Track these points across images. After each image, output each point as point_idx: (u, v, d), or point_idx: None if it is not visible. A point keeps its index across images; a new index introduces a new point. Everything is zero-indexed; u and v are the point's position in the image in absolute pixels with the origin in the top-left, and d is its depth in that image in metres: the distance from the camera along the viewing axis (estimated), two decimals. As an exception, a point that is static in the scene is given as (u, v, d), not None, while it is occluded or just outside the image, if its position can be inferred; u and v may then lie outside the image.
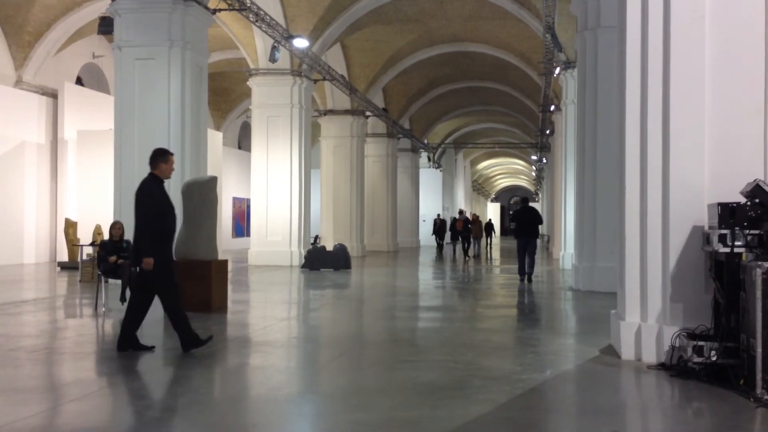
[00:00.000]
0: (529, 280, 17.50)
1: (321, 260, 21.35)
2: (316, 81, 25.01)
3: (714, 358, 6.67)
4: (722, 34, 7.32)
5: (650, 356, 7.49)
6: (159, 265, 7.86)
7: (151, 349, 8.16)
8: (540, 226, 18.06)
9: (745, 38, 7.34)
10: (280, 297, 14.91)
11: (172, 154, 8.43)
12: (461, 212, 34.54)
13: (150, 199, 7.96)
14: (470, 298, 15.20)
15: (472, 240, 31.74)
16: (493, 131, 52.08)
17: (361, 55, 29.26)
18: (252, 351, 8.61)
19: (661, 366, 7.27)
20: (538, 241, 18.15)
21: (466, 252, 31.22)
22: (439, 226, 37.67)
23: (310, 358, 8.36)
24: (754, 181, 6.72)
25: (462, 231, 31.84)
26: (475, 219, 33.31)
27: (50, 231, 24.55)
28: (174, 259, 8.37)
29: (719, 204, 6.77)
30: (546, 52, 21.23)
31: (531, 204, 18.48)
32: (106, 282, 11.76)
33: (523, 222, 17.59)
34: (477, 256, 31.01)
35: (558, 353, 8.38)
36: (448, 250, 36.65)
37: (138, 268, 8.02)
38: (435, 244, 38.11)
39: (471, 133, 52.00)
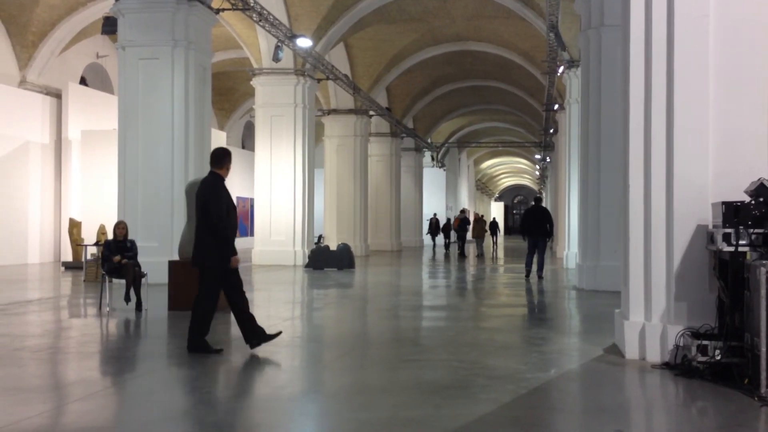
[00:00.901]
0: (540, 278, 17.91)
1: (325, 260, 21.36)
2: (319, 80, 25.00)
3: (718, 357, 6.65)
4: (726, 32, 7.31)
5: (654, 355, 7.48)
6: (223, 263, 7.84)
7: (219, 351, 8.00)
8: (549, 226, 18.41)
9: (749, 36, 7.33)
10: (283, 296, 14.92)
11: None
12: (462, 211, 34.45)
13: (219, 199, 7.89)
14: (474, 297, 15.19)
15: (475, 240, 31.53)
16: (497, 130, 52.05)
17: (364, 54, 29.26)
18: (255, 350, 8.60)
19: (666, 365, 7.26)
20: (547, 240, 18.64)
21: (461, 252, 30.95)
22: (434, 226, 37.01)
23: (313, 357, 8.36)
24: (759, 179, 6.70)
25: (457, 230, 31.70)
26: (477, 218, 33.19)
27: (54, 231, 24.59)
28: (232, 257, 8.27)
29: (723, 203, 6.76)
30: (549, 51, 21.21)
31: (541, 205, 18.81)
32: (110, 282, 11.78)
33: (534, 220, 18.06)
34: (480, 255, 30.85)
35: (562, 352, 8.38)
36: (442, 250, 36.28)
37: (201, 269, 7.95)
38: (441, 243, 37.69)
39: (474, 132, 51.99)
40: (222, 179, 8.12)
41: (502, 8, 23.73)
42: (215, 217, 7.79)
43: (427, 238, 43.50)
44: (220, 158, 8.16)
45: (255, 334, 8.04)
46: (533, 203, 19.01)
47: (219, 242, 7.83)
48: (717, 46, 7.30)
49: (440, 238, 37.48)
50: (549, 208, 30.02)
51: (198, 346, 7.95)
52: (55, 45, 24.27)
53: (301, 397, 6.43)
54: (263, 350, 8.50)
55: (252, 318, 8.07)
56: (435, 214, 39.56)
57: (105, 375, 7.41)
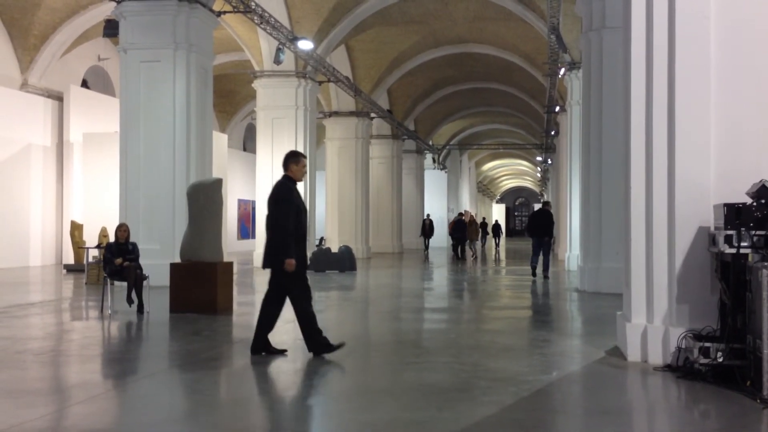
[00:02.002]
0: (545, 277, 18.67)
1: (326, 262, 21.36)
2: (320, 83, 25.02)
3: (720, 360, 6.64)
4: (727, 33, 7.31)
5: (656, 358, 7.47)
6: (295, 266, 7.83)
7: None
8: (551, 228, 19.61)
9: (750, 38, 7.33)
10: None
11: (305, 157, 8.45)
12: (460, 214, 34.34)
13: (289, 202, 7.88)
14: (476, 299, 15.19)
15: (467, 242, 31.22)
16: (498, 132, 52.05)
17: (365, 56, 29.27)
18: (260, 354, 8.60)
19: (668, 367, 7.25)
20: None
21: (457, 254, 30.75)
22: (428, 228, 36.31)
23: (315, 359, 8.36)
24: (760, 181, 6.70)
25: (453, 232, 31.48)
26: (471, 220, 33.01)
27: (56, 233, 24.61)
28: (307, 261, 8.22)
29: (725, 204, 6.75)
30: (551, 53, 21.22)
31: (548, 209, 20.04)
32: (112, 284, 11.78)
33: (537, 223, 19.30)
34: (474, 258, 30.57)
35: (564, 354, 8.37)
36: (440, 253, 36.09)
37: (272, 270, 7.95)
38: (446, 245, 37.15)
39: (476, 134, 51.99)
40: (292, 181, 8.10)
41: (503, 10, 23.75)
42: (281, 218, 7.79)
43: (431, 240, 43.31)
44: (286, 161, 8.19)
45: (263, 346, 8.02)
46: (542, 207, 20.23)
47: (278, 244, 7.79)
48: (718, 47, 7.30)
49: (439, 240, 37.21)
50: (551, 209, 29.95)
51: (261, 346, 7.96)
52: (57, 48, 24.30)
53: (302, 399, 6.43)
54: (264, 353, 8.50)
55: (269, 330, 8.05)
56: (428, 215, 39.05)
57: (107, 378, 7.42)
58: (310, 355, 8.10)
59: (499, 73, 32.70)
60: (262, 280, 18.75)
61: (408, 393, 6.48)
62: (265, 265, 8.02)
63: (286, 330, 10.29)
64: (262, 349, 7.98)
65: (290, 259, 7.72)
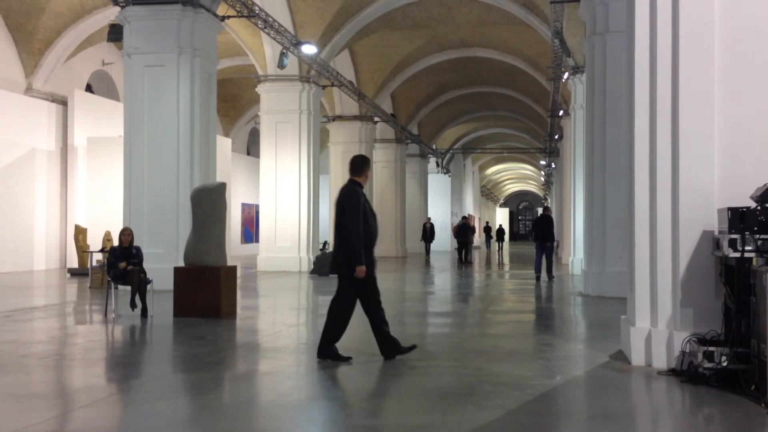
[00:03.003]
0: (550, 278, 19.55)
1: (330, 266, 21.30)
2: (324, 87, 25.04)
3: (724, 364, 6.63)
4: (731, 37, 7.31)
5: (660, 362, 7.46)
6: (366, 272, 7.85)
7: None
8: (553, 232, 20.49)
9: (754, 42, 7.33)
10: (289, 303, 14.92)
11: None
12: (464, 218, 34.30)
13: (358, 208, 7.86)
14: (479, 303, 15.17)
15: (467, 246, 31.18)
16: (502, 136, 52.03)
17: (369, 60, 29.30)
18: (261, 357, 8.62)
19: (672, 371, 7.24)
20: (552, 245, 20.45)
21: (462, 258, 30.68)
22: (429, 231, 36.15)
23: (318, 363, 8.36)
24: (764, 185, 6.69)
25: (457, 236, 31.44)
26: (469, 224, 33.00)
27: (60, 237, 24.65)
28: (375, 265, 8.20)
29: (729, 208, 6.75)
30: (554, 57, 21.22)
31: (549, 214, 20.97)
32: (116, 288, 11.79)
33: (540, 228, 20.13)
34: (469, 262, 30.48)
35: (568, 359, 8.36)
36: (442, 257, 35.95)
37: (341, 276, 7.97)
38: (449, 249, 36.96)
39: (479, 138, 51.98)
40: (360, 186, 8.07)
41: (507, 15, 23.76)
42: (351, 224, 7.78)
43: (434, 245, 43.13)
44: (359, 166, 8.13)
45: (391, 347, 8.03)
46: (542, 212, 21.11)
47: (348, 250, 7.79)
48: (722, 51, 7.30)
49: (442, 244, 37.02)
50: (554, 214, 30.05)
51: (328, 352, 7.94)
52: (61, 52, 24.36)
53: (306, 403, 6.43)
54: (271, 356, 8.51)
55: (338, 337, 8.02)
56: (429, 219, 38.84)
57: (110, 381, 7.42)
58: (313, 359, 8.09)
59: (502, 77, 32.71)
60: (266, 284, 18.77)
61: (412, 397, 6.48)
62: (333, 271, 8.05)
63: (289, 334, 10.30)
64: (328, 355, 7.93)
65: (361, 266, 7.76)
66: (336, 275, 8.09)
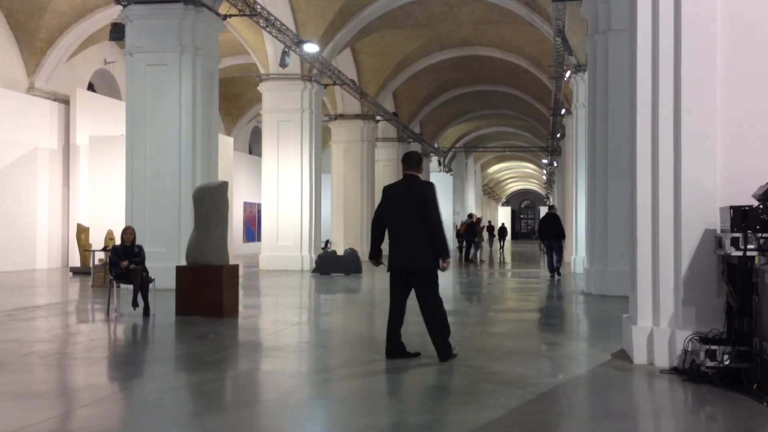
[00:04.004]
0: (558, 274, 19.97)
1: (332, 265, 21.37)
2: (326, 86, 25.04)
3: (727, 362, 6.63)
4: (733, 36, 7.29)
5: (662, 360, 7.46)
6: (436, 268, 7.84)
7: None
8: (560, 230, 20.98)
9: (757, 40, 7.31)
10: (291, 301, 14.93)
11: None
12: (470, 216, 34.29)
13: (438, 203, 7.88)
14: (481, 302, 15.17)
15: (473, 244, 31.24)
16: (504, 135, 52.02)
17: (371, 59, 29.29)
18: (263, 356, 8.62)
19: (674, 370, 7.23)
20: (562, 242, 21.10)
21: (466, 257, 30.73)
22: None
23: (321, 362, 8.36)
24: (767, 183, 6.68)
25: (464, 235, 31.47)
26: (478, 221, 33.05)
27: (62, 236, 24.68)
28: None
29: (731, 207, 6.74)
30: (556, 56, 21.20)
31: (555, 212, 21.81)
32: (118, 287, 11.80)
33: (547, 226, 20.81)
34: (471, 260, 30.54)
35: (570, 357, 8.35)
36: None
37: (428, 271, 7.90)
38: (451, 248, 37.00)
39: (481, 137, 51.97)
40: None
41: (509, 13, 23.75)
42: (439, 218, 7.78)
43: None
44: (419, 161, 8.11)
45: (398, 349, 8.03)
46: (548, 211, 21.92)
47: (440, 243, 7.76)
48: (724, 49, 7.29)
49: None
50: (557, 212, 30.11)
51: (448, 349, 7.89)
52: (63, 51, 24.38)
53: (308, 402, 6.43)
54: (273, 355, 8.52)
55: (440, 333, 7.97)
56: None
57: (113, 380, 7.42)
58: (315, 357, 8.10)
59: (504, 75, 32.69)
60: (268, 282, 18.77)
61: (414, 396, 6.48)
62: (415, 265, 7.86)
63: (291, 333, 10.30)
64: (448, 349, 7.89)
65: (449, 258, 7.88)
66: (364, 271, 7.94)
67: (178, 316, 11.48)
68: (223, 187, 12.26)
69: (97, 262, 17.49)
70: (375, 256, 8.32)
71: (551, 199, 56.15)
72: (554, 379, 7.16)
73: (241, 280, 15.05)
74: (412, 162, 8.08)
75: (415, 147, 40.66)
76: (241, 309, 12.43)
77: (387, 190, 8.20)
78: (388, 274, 8.17)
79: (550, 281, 19.15)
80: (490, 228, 41.34)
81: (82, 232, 21.73)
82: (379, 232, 8.28)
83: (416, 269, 7.91)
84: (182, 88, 16.03)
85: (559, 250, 20.24)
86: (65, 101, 24.63)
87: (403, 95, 34.70)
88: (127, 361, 8.42)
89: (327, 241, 28.63)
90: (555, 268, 19.90)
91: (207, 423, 5.69)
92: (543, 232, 21.22)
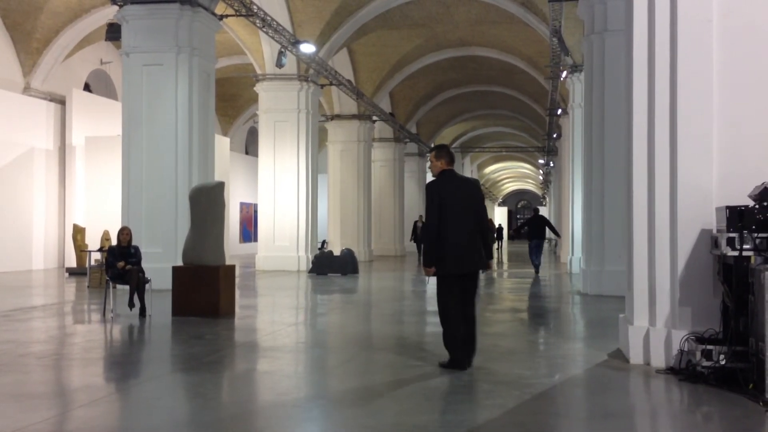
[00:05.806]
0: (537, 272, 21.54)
1: (328, 265, 21.37)
2: (323, 86, 25.04)
3: (723, 362, 6.64)
4: (730, 36, 7.31)
5: (659, 360, 7.47)
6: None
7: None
8: (548, 229, 22.71)
9: (752, 41, 7.33)
10: (287, 302, 14.92)
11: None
12: None
13: None
14: (478, 301, 15.15)
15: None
16: (500, 135, 52.04)
17: (367, 59, 29.29)
18: (260, 356, 8.62)
19: (670, 370, 7.25)
20: (546, 243, 21.97)
21: None
22: (420, 231, 35.46)
23: (318, 362, 8.36)
24: (762, 183, 6.69)
25: None
26: None
27: (58, 237, 24.64)
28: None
29: (727, 207, 6.75)
30: (553, 56, 21.23)
31: (541, 213, 23.09)
32: (114, 288, 11.79)
33: (533, 227, 21.81)
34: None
35: (566, 357, 8.36)
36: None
37: (473, 272, 7.60)
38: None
39: (478, 137, 51.98)
40: None
41: (506, 13, 23.76)
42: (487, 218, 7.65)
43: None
44: (450, 155, 7.81)
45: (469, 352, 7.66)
46: (533, 213, 22.86)
47: (488, 245, 7.63)
48: (720, 50, 7.30)
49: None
50: (553, 212, 30.39)
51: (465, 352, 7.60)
52: (60, 52, 24.35)
53: (305, 402, 6.43)
54: (270, 355, 8.52)
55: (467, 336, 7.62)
56: (420, 216, 38.21)
57: (109, 381, 7.42)
58: (312, 358, 8.10)
59: (501, 76, 32.72)
60: (264, 283, 18.76)
61: (411, 396, 6.48)
62: (481, 267, 7.61)
63: (288, 333, 10.30)
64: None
65: (492, 259, 7.81)
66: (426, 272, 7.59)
67: (174, 317, 11.47)
68: (220, 187, 12.26)
69: (93, 263, 17.47)
70: (434, 262, 7.46)
71: (546, 200, 56.20)
72: (551, 380, 7.17)
73: (237, 280, 15.04)
74: (452, 157, 7.80)
75: (412, 148, 40.71)
76: (237, 309, 12.43)
77: (442, 189, 7.49)
78: (436, 277, 7.54)
79: (535, 278, 20.37)
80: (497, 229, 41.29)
81: (79, 232, 21.70)
82: (437, 235, 7.42)
83: (476, 271, 7.66)
84: (179, 89, 16.01)
85: (540, 250, 21.97)
86: (61, 101, 24.60)
87: (399, 95, 34.71)
88: (123, 362, 8.41)
89: (324, 242, 28.62)
90: (536, 264, 21.64)
91: (204, 424, 5.68)
92: (533, 232, 22.30)
